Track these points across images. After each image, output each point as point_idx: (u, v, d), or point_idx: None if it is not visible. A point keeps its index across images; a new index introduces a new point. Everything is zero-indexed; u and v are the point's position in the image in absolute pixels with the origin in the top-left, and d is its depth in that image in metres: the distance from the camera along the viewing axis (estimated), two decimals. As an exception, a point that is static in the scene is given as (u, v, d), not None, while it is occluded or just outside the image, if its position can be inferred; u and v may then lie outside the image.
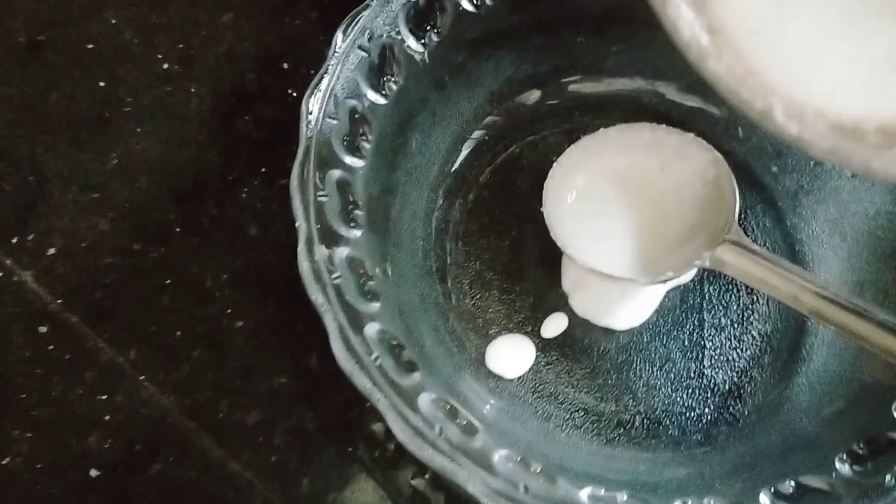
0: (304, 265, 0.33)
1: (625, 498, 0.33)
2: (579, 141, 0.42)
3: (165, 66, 0.47)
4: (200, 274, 0.43)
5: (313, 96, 0.36)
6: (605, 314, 0.41)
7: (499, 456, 0.32)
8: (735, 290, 0.42)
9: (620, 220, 0.41)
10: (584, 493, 0.32)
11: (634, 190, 0.42)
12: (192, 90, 0.47)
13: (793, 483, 0.33)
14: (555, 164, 0.42)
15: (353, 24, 0.37)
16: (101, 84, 0.46)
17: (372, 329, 0.33)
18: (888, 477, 0.32)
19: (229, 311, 0.42)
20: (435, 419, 0.32)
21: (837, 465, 0.33)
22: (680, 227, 0.40)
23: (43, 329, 0.41)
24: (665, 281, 0.39)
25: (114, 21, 0.48)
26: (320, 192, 0.35)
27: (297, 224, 0.33)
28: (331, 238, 0.34)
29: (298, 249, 0.33)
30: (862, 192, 0.41)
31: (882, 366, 0.36)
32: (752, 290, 0.42)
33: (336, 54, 0.37)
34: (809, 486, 0.33)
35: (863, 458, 0.33)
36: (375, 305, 0.35)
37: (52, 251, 0.43)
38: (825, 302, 0.34)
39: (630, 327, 0.41)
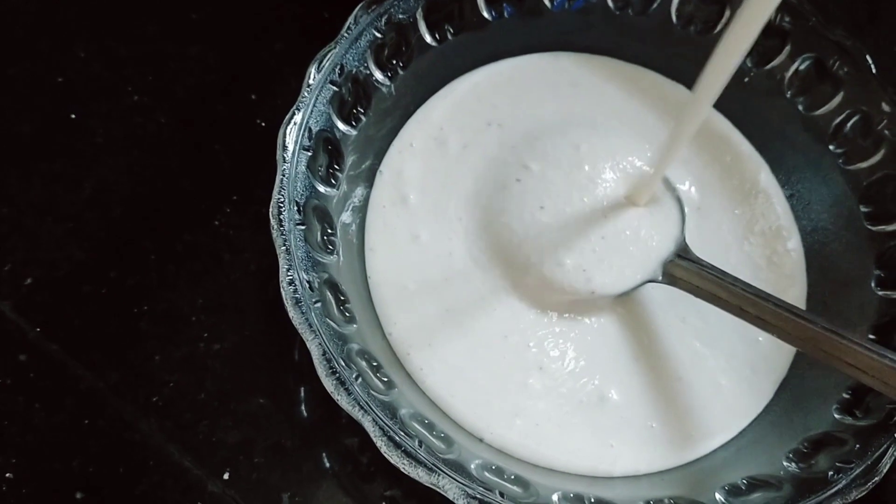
0: (286, 291, 0.34)
1: (592, 499, 0.35)
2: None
3: (135, 97, 0.48)
4: (176, 300, 0.44)
5: (288, 129, 0.38)
6: None
7: (475, 464, 0.34)
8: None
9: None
10: (555, 496, 0.34)
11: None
12: (163, 121, 0.48)
13: (744, 481, 0.36)
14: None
15: (325, 59, 0.39)
16: (73, 116, 0.47)
17: (352, 350, 0.35)
18: (830, 473, 0.35)
19: (206, 334, 0.43)
20: (414, 433, 0.34)
21: (785, 463, 0.36)
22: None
23: (23, 357, 0.42)
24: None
25: (83, 55, 0.49)
26: (298, 222, 0.36)
27: (278, 253, 0.35)
28: (310, 264, 0.36)
29: (280, 277, 0.35)
30: (799, 210, 0.45)
31: (822, 370, 0.39)
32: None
33: (309, 88, 0.39)
34: (759, 483, 0.36)
35: (807, 456, 0.36)
36: (353, 327, 0.37)
37: (29, 281, 0.44)
38: (767, 310, 0.37)
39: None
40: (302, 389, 0.43)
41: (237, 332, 0.43)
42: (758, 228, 0.45)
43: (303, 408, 0.42)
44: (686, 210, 0.44)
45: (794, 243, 0.45)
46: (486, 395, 0.40)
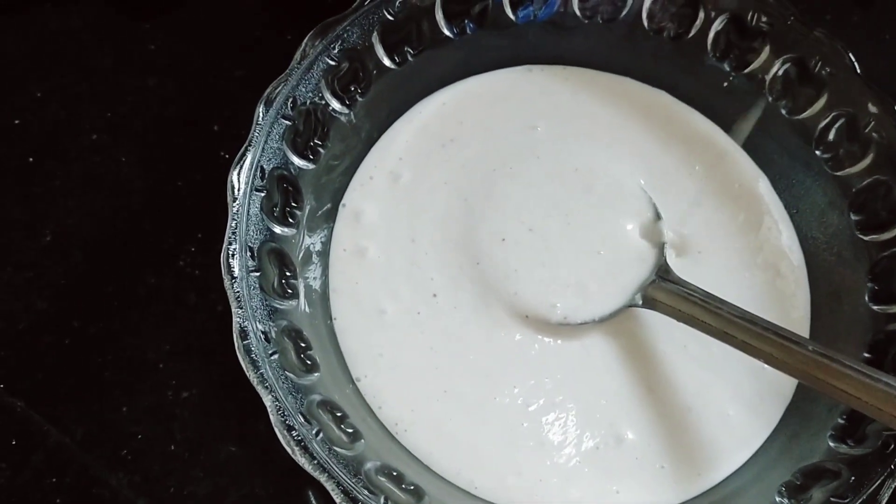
0: (239, 346, 0.33)
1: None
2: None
3: (94, 136, 0.47)
4: (142, 346, 0.42)
5: (239, 171, 0.36)
6: None
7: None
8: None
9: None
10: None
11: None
12: (123, 159, 0.46)
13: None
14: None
15: (275, 93, 0.37)
16: (30, 160, 0.46)
17: (313, 402, 0.34)
18: (823, 510, 0.33)
19: (173, 381, 0.42)
20: (380, 488, 0.32)
21: (777, 498, 0.34)
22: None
23: (-15, 415, 0.41)
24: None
25: (39, 94, 0.47)
26: (252, 269, 0.35)
27: (231, 304, 0.33)
28: (266, 313, 0.34)
29: (233, 331, 0.33)
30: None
31: (816, 395, 0.37)
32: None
33: (259, 126, 0.37)
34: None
35: (800, 489, 0.34)
36: (315, 376, 0.35)
37: (-12, 335, 0.42)
38: (754, 335, 0.35)
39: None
40: (274, 435, 0.40)
41: (205, 377, 0.42)
42: (760, 259, 0.42)
43: (276, 454, 0.40)
44: (684, 256, 0.42)
45: (797, 259, 0.42)
46: (479, 456, 0.38)
